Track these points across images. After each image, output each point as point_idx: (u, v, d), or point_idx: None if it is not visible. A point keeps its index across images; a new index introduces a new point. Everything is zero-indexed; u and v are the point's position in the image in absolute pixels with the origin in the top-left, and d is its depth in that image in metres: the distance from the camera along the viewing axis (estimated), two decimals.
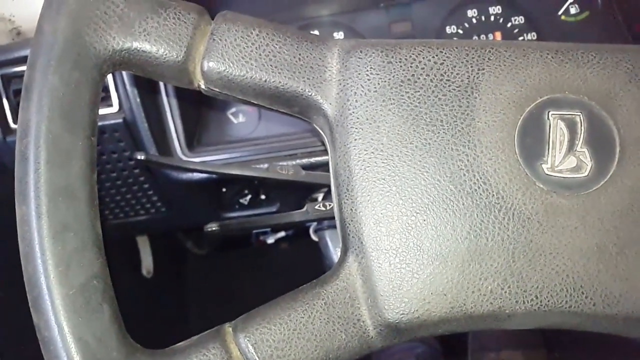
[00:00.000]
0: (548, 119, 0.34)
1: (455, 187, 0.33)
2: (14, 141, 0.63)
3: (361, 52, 0.34)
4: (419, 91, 0.34)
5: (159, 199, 0.67)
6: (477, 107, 0.34)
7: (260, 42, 0.34)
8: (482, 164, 0.33)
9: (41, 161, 0.29)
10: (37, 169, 0.29)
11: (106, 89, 0.58)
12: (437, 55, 0.34)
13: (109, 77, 0.58)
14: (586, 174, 0.33)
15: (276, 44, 0.34)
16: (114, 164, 0.62)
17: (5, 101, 0.63)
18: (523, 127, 0.33)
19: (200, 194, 0.67)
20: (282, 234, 0.86)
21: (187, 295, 0.98)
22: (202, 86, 0.35)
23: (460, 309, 0.32)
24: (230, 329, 0.31)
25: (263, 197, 0.71)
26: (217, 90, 0.35)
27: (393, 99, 0.34)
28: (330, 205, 0.47)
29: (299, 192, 0.72)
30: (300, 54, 0.34)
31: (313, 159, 0.60)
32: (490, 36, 0.67)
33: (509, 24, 0.67)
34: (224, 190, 0.69)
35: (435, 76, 0.34)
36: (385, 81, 0.34)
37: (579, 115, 0.34)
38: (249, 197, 0.71)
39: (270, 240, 0.86)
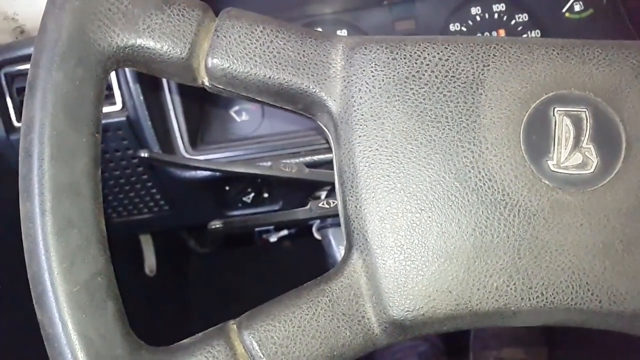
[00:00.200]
0: (554, 115, 0.33)
1: (460, 184, 0.33)
2: (17, 139, 0.63)
3: (365, 48, 0.34)
4: (423, 87, 0.34)
5: (162, 197, 0.67)
6: (483, 103, 0.33)
7: (265, 38, 0.34)
8: (488, 161, 0.33)
9: (45, 158, 0.29)
10: (41, 166, 0.28)
11: (109, 87, 0.58)
12: (441, 52, 0.34)
13: (112, 74, 0.58)
14: (592, 170, 0.33)
15: (280, 41, 0.34)
16: (117, 162, 0.62)
17: (8, 99, 0.63)
18: (528, 124, 0.33)
19: (204, 192, 0.67)
20: (285, 232, 0.86)
21: (189, 293, 0.98)
22: (206, 83, 0.35)
23: (466, 306, 0.32)
24: (235, 326, 0.31)
25: (266, 195, 0.71)
26: (221, 87, 0.35)
27: (398, 96, 0.33)
28: (334, 202, 0.47)
29: (302, 190, 0.72)
30: (304, 51, 0.34)
31: (316, 157, 0.60)
32: (494, 33, 0.66)
33: (513, 22, 0.66)
34: (227, 188, 0.69)
35: (440, 72, 0.34)
36: (389, 77, 0.34)
37: (585, 111, 0.33)
38: (252, 195, 0.70)
39: (273, 238, 0.86)
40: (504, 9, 0.67)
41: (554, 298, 0.32)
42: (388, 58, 0.34)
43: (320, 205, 0.46)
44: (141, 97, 0.56)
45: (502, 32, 0.67)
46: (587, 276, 0.32)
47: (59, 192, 0.28)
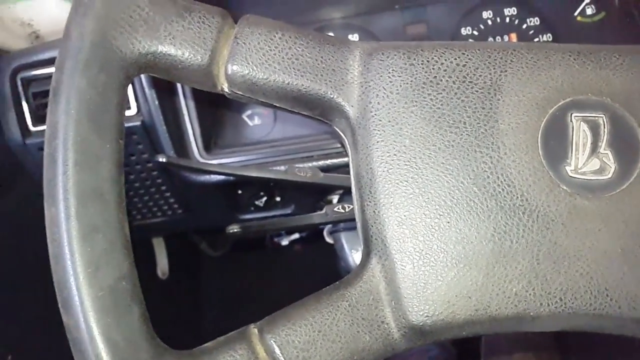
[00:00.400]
0: (571, 121, 0.33)
1: (479, 189, 0.33)
2: (33, 143, 0.64)
3: (383, 54, 0.35)
4: (441, 93, 0.34)
5: (176, 200, 0.67)
6: (500, 109, 0.34)
7: (283, 45, 0.34)
8: (506, 166, 0.33)
9: (70, 163, 0.29)
10: (66, 171, 0.29)
11: None
12: (459, 57, 0.34)
13: None
14: (610, 176, 0.33)
15: (298, 47, 0.34)
16: (132, 167, 0.62)
17: (24, 103, 0.63)
18: (546, 129, 0.33)
19: (217, 195, 0.67)
20: (296, 235, 0.86)
21: (201, 295, 0.98)
22: (226, 89, 0.35)
23: (485, 312, 0.32)
24: (256, 330, 0.32)
25: (278, 199, 0.72)
26: (240, 93, 0.35)
27: (415, 101, 0.34)
28: (349, 207, 0.47)
29: (313, 195, 0.72)
30: (322, 57, 0.34)
31: (329, 161, 0.60)
32: (506, 37, 0.67)
33: (524, 25, 0.67)
34: (239, 192, 0.69)
35: (458, 78, 0.34)
36: (407, 83, 0.34)
37: (602, 117, 0.33)
38: (264, 199, 0.71)
39: (285, 242, 0.86)
40: (515, 13, 0.67)
41: (573, 303, 0.32)
42: (405, 64, 0.34)
43: (335, 209, 0.46)
44: (156, 102, 0.57)
45: (513, 36, 0.67)
46: (605, 282, 0.32)
47: (84, 197, 0.29)
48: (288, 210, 0.73)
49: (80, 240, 0.28)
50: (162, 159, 0.43)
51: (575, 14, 0.66)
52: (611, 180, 0.33)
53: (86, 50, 0.30)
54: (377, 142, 0.34)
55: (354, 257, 0.64)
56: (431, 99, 0.34)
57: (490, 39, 0.66)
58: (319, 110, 0.36)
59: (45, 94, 0.63)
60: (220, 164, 0.57)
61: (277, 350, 0.31)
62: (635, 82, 0.34)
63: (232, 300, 0.97)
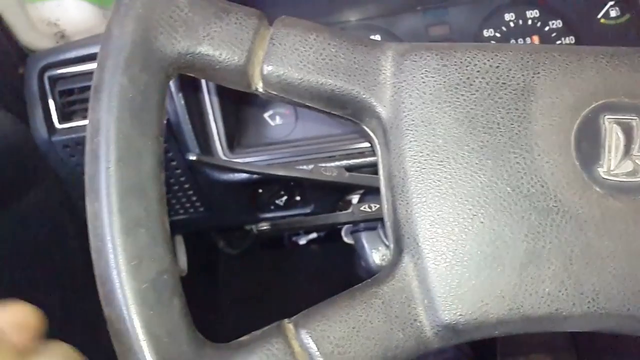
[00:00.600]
0: (604, 123, 0.34)
1: (512, 190, 0.33)
2: (59, 140, 0.65)
3: (416, 55, 0.35)
4: (474, 94, 0.34)
5: (198, 198, 0.68)
6: (534, 110, 0.34)
7: (318, 46, 0.35)
8: (540, 168, 0.33)
9: (112, 159, 0.30)
10: (109, 167, 0.29)
11: None
12: (492, 59, 0.35)
13: None
14: None
15: (332, 48, 0.35)
16: None
17: (51, 101, 0.64)
18: (579, 131, 0.34)
19: (238, 194, 0.68)
20: (313, 235, 0.87)
21: (219, 293, 0.99)
22: (260, 89, 0.35)
23: (518, 311, 0.32)
24: (291, 325, 0.32)
25: (298, 198, 0.72)
26: (274, 93, 0.35)
27: (449, 102, 0.34)
28: (375, 206, 0.47)
29: (333, 194, 0.72)
30: (355, 58, 0.35)
31: (352, 161, 0.61)
32: (528, 40, 0.66)
33: (547, 28, 0.66)
34: (260, 191, 0.70)
35: (491, 79, 0.34)
36: (440, 84, 0.34)
37: (635, 119, 0.34)
38: (284, 198, 0.71)
39: (303, 241, 0.86)
40: (537, 15, 0.67)
41: (605, 304, 0.32)
42: (438, 65, 0.35)
43: (362, 208, 0.46)
44: (182, 101, 0.58)
45: (535, 39, 0.67)
46: (638, 283, 0.32)
47: (127, 193, 0.29)
48: (307, 210, 0.73)
49: (123, 235, 0.29)
50: (192, 157, 0.44)
51: (599, 16, 0.66)
52: None
53: (128, 50, 0.31)
54: (410, 142, 0.34)
55: (374, 256, 0.65)
56: (464, 100, 0.34)
57: (512, 41, 0.66)
58: (350, 110, 0.36)
59: (71, 92, 0.64)
60: (248, 163, 0.58)
61: (313, 345, 0.31)
62: None
63: (249, 297, 0.98)
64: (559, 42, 0.66)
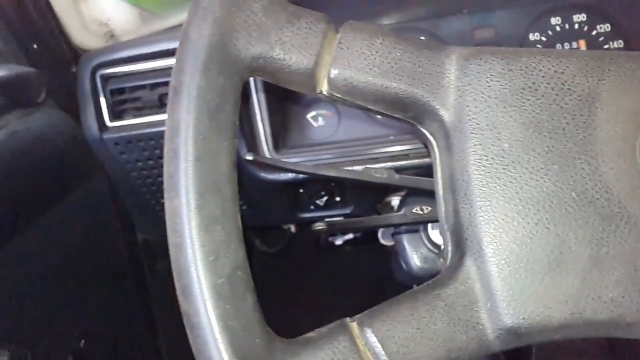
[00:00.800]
0: None
1: (577, 195, 0.33)
2: (110, 138, 0.67)
3: (481, 59, 0.35)
4: (540, 99, 0.34)
5: (242, 197, 0.69)
6: (599, 117, 0.34)
7: (384, 50, 0.35)
8: (604, 174, 0.33)
9: (191, 159, 0.31)
10: (187, 166, 0.30)
11: None
12: (557, 65, 0.35)
13: None
14: None
15: (398, 52, 0.35)
16: None
17: (102, 100, 0.66)
18: None
19: (281, 193, 0.69)
20: (350, 236, 0.87)
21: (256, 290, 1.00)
22: (324, 92, 0.36)
23: (580, 315, 0.32)
24: (355, 324, 0.33)
25: (338, 199, 0.73)
26: (338, 96, 0.36)
27: (514, 106, 0.34)
28: (427, 209, 0.47)
29: (372, 196, 0.73)
30: (420, 61, 0.35)
31: (397, 163, 0.61)
32: (574, 44, 0.66)
33: (594, 32, 0.66)
34: (301, 191, 0.71)
35: (556, 85, 0.34)
36: (505, 88, 0.35)
37: None
38: (325, 198, 0.72)
39: (339, 241, 0.87)
40: (585, 19, 0.66)
41: None
42: (504, 69, 0.35)
43: (414, 211, 0.47)
44: None
45: (582, 43, 0.66)
46: None
47: (205, 191, 0.30)
48: (347, 211, 0.74)
49: (201, 231, 0.30)
50: (249, 157, 0.45)
51: None
52: None
53: (205, 53, 0.32)
54: (475, 145, 0.34)
55: (415, 259, 0.65)
56: (530, 105, 0.34)
57: (558, 45, 0.66)
58: (411, 113, 0.37)
59: (122, 91, 0.66)
60: (299, 163, 0.58)
61: (378, 345, 0.31)
62: None
63: (284, 295, 0.99)
64: (606, 46, 0.66)
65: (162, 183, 0.73)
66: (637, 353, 0.86)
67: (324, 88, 0.36)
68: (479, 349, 0.33)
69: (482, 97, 0.35)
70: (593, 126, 0.34)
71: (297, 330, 0.33)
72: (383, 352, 0.31)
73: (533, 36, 0.67)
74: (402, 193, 0.70)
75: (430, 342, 0.32)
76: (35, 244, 0.62)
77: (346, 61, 0.35)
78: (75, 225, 0.69)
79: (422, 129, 0.38)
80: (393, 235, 0.68)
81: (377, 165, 0.61)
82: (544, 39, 0.67)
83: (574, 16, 0.67)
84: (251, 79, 0.62)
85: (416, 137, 0.60)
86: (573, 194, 0.33)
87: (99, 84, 0.66)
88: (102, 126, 0.66)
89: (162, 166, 0.70)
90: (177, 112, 0.31)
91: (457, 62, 0.36)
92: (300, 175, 0.62)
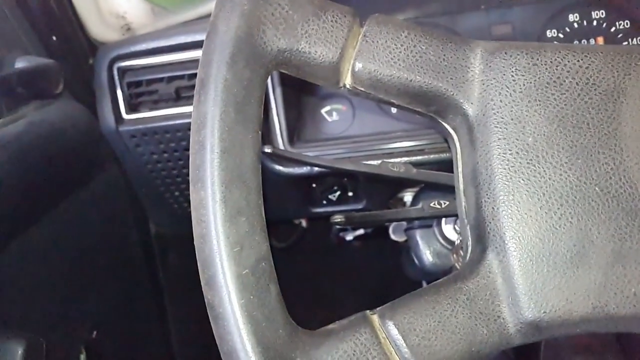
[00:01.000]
0: None
1: (600, 190, 0.33)
2: (126, 131, 0.67)
3: (506, 53, 0.35)
4: (564, 94, 0.34)
5: None
6: (624, 112, 0.34)
7: (409, 43, 0.35)
8: (629, 169, 0.33)
9: (217, 150, 0.31)
10: (214, 158, 0.31)
11: None
12: (582, 60, 0.35)
13: None
14: None
15: (423, 45, 0.35)
16: None
17: (119, 92, 0.66)
18: None
19: (295, 188, 0.69)
20: (361, 231, 0.87)
21: None
22: (348, 85, 0.36)
23: (602, 310, 0.32)
24: (376, 316, 0.33)
25: (350, 194, 0.73)
26: (362, 89, 0.36)
27: (539, 100, 0.34)
28: (445, 203, 0.47)
29: (385, 191, 0.73)
30: (444, 55, 0.35)
31: (413, 158, 0.61)
32: (592, 41, 0.66)
33: (613, 29, 0.65)
34: (313, 185, 0.71)
35: (581, 79, 0.34)
36: (530, 82, 0.34)
37: None
38: (337, 193, 0.72)
39: (350, 237, 0.87)
40: (603, 15, 0.66)
41: None
42: (529, 63, 0.35)
43: (432, 205, 0.47)
44: None
45: (600, 40, 0.66)
46: None
47: (230, 183, 0.30)
48: (359, 206, 0.74)
49: (226, 222, 0.30)
50: (268, 149, 0.45)
51: None
52: None
53: (233, 45, 0.32)
54: (499, 139, 0.34)
55: (428, 254, 0.65)
56: (555, 99, 0.34)
57: (576, 42, 0.66)
58: (434, 107, 0.37)
59: (139, 84, 0.66)
60: (317, 157, 0.58)
61: (399, 337, 0.32)
62: None
63: (294, 290, 0.99)
64: (625, 43, 0.65)
65: (176, 176, 0.74)
66: None
67: (347, 81, 0.36)
68: (500, 343, 0.33)
69: (507, 92, 0.35)
70: (618, 121, 0.34)
71: (307, 325, 0.33)
72: (404, 345, 0.31)
73: (550, 33, 0.66)
74: (415, 189, 0.70)
75: (451, 335, 0.32)
76: (49, 235, 0.63)
77: (371, 54, 0.35)
78: (89, 217, 0.70)
79: (443, 123, 0.38)
80: (406, 230, 0.68)
81: (392, 160, 0.61)
82: (561, 35, 0.66)
83: (592, 13, 0.66)
84: None
85: (436, 132, 0.60)
86: (597, 189, 0.33)
87: (116, 77, 0.66)
88: (118, 118, 0.67)
89: (177, 159, 0.71)
90: (204, 104, 0.31)
91: (481, 56, 0.35)
92: (315, 170, 0.62)
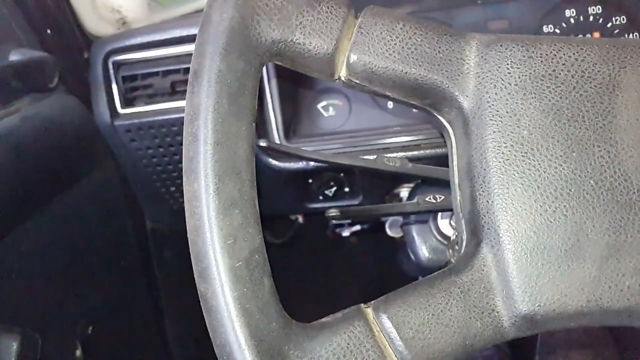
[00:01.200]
0: None
1: (595, 183, 0.33)
2: (121, 125, 0.67)
3: (501, 46, 0.35)
4: (560, 86, 0.34)
5: None
6: (619, 105, 0.34)
7: (404, 35, 0.35)
8: (623, 162, 0.33)
9: (211, 142, 0.30)
10: (207, 150, 0.30)
11: None
12: (577, 52, 0.35)
13: None
14: None
15: (418, 37, 0.35)
16: None
17: (114, 86, 0.66)
18: None
19: (290, 183, 0.69)
20: (357, 227, 0.87)
21: None
22: (343, 78, 0.36)
23: (596, 303, 0.32)
24: (370, 309, 0.33)
25: (347, 189, 0.73)
26: (356, 81, 0.36)
27: (534, 93, 0.34)
28: (440, 198, 0.47)
29: (381, 187, 0.73)
30: (440, 47, 0.35)
31: (408, 153, 0.61)
32: (588, 36, 0.66)
33: (609, 24, 0.65)
34: (310, 181, 0.71)
35: (577, 72, 0.34)
36: (525, 75, 0.34)
37: None
38: (333, 189, 0.72)
39: (346, 233, 0.87)
40: (600, 11, 0.66)
41: None
42: (524, 56, 0.35)
43: (427, 199, 0.47)
44: None
45: (596, 35, 0.66)
46: None
47: (224, 175, 0.30)
48: (356, 202, 0.74)
49: (219, 214, 0.30)
50: (263, 143, 0.45)
51: None
52: None
53: (227, 36, 0.32)
54: (494, 132, 0.34)
55: (424, 249, 0.65)
56: (550, 92, 0.34)
57: (572, 37, 0.66)
58: (430, 100, 0.37)
59: (134, 78, 0.66)
60: (313, 151, 0.58)
61: (393, 330, 0.31)
62: None
63: (290, 285, 0.99)
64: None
65: (172, 171, 0.73)
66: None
67: (342, 74, 0.36)
68: (494, 336, 0.33)
69: (502, 84, 0.34)
70: (613, 114, 0.34)
71: (303, 320, 0.33)
72: (398, 338, 0.31)
73: (547, 28, 0.66)
74: (411, 184, 0.70)
75: (445, 328, 0.32)
76: (44, 231, 0.62)
77: (366, 46, 0.35)
78: (84, 212, 0.69)
79: (439, 116, 0.38)
80: (402, 226, 0.68)
81: (388, 155, 0.61)
82: (557, 31, 0.66)
83: (589, 8, 0.66)
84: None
85: (431, 126, 0.60)
86: (592, 182, 0.33)
87: (111, 71, 0.66)
88: (113, 113, 0.66)
89: (172, 154, 0.71)
90: (197, 95, 0.31)
91: (477, 49, 0.35)
92: (311, 165, 0.62)
